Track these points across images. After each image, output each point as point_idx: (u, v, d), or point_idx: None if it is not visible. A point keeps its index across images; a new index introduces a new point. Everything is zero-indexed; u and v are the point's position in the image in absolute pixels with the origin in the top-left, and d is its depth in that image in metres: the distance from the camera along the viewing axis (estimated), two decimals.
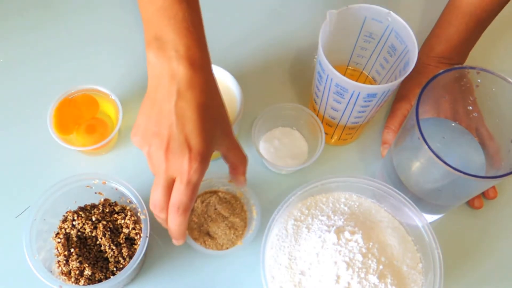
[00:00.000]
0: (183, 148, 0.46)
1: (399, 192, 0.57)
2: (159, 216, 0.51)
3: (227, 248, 0.61)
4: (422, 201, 0.59)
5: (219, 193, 0.64)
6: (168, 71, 0.47)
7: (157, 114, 0.47)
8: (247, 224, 0.62)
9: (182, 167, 0.47)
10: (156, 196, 0.49)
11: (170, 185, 0.48)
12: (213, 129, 0.49)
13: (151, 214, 0.58)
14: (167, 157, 0.47)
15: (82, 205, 0.62)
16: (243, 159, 0.55)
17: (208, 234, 0.62)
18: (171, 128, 0.46)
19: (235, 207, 0.64)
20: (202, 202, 0.63)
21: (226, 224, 0.62)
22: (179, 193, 0.48)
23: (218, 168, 0.62)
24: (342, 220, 0.56)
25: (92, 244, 0.60)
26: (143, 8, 0.50)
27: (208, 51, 0.50)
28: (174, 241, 0.53)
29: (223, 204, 0.63)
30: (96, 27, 0.79)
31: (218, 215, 0.63)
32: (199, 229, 0.62)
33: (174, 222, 0.50)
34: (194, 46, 0.47)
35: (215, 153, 0.66)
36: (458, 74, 0.56)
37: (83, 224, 0.59)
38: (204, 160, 0.48)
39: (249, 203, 0.63)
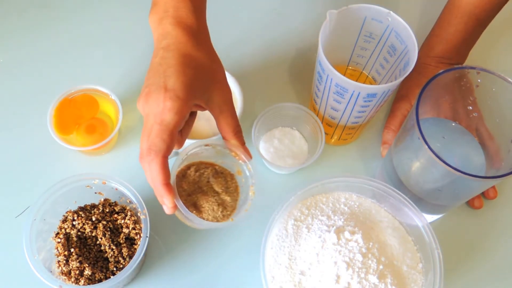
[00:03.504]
0: (160, 89, 0.47)
1: (399, 192, 0.57)
2: (144, 168, 0.49)
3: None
4: (422, 201, 0.59)
5: (216, 167, 0.61)
6: (160, 32, 0.50)
7: (148, 72, 0.49)
8: (237, 206, 0.58)
9: (158, 107, 0.47)
10: (141, 145, 0.48)
11: (149, 130, 0.48)
12: (199, 79, 0.49)
13: (151, 214, 0.58)
14: (147, 101, 0.48)
15: (82, 205, 0.62)
16: (234, 126, 0.54)
17: (194, 205, 0.58)
18: (153, 76, 0.48)
19: (229, 185, 0.59)
20: (196, 171, 0.59)
21: (215, 199, 0.58)
22: (152, 134, 0.47)
23: None
24: (342, 220, 0.56)
25: (92, 244, 0.60)
26: None
27: (204, 18, 0.53)
28: (165, 208, 0.50)
29: (217, 179, 0.60)
30: (96, 27, 0.79)
31: (209, 188, 0.59)
32: (186, 197, 0.58)
33: (149, 170, 0.48)
34: (184, 7, 0.51)
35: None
36: (458, 74, 0.56)
37: (83, 224, 0.59)
38: (180, 101, 0.47)
39: (248, 182, 0.59)
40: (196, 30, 0.51)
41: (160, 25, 0.50)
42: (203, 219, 0.56)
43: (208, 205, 0.57)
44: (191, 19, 0.51)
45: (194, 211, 0.56)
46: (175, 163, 0.55)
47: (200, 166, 0.60)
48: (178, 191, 0.56)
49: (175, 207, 0.51)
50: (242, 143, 0.56)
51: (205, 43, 0.52)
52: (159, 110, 0.47)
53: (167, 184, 0.49)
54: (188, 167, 0.59)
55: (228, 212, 0.58)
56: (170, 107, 0.47)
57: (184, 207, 0.53)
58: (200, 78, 0.50)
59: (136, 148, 0.70)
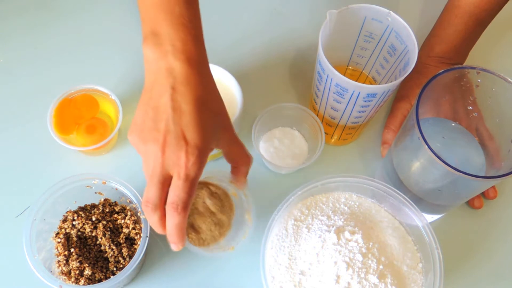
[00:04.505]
0: (179, 141, 0.45)
1: (399, 192, 0.57)
2: (152, 216, 0.48)
3: (209, 244, 0.59)
4: (422, 201, 0.59)
5: (211, 187, 0.61)
6: (164, 66, 0.46)
7: (153, 110, 0.46)
8: (231, 224, 0.60)
9: (179, 161, 0.45)
10: (151, 193, 0.46)
11: (166, 181, 0.46)
12: (211, 123, 0.47)
13: None
14: (163, 151, 0.45)
15: (82, 205, 0.62)
16: (245, 158, 0.53)
17: (192, 226, 0.59)
18: (167, 122, 0.45)
19: (224, 204, 0.61)
20: None
21: (212, 220, 0.60)
22: (177, 189, 0.46)
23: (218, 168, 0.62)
24: (342, 220, 0.56)
25: (92, 244, 0.60)
26: (141, 3, 0.50)
27: (205, 47, 0.49)
28: (173, 246, 0.50)
29: (213, 200, 0.61)
30: (96, 27, 0.79)
31: (206, 209, 0.59)
32: None
33: (172, 222, 0.47)
34: (191, 41, 0.47)
35: (215, 153, 0.66)
36: (458, 74, 0.56)
37: (83, 224, 0.59)
38: (201, 154, 0.46)
39: (243, 206, 0.61)
40: (204, 67, 0.48)
41: (165, 59, 0.47)
42: (202, 239, 0.58)
43: (205, 226, 0.59)
44: (199, 55, 0.48)
45: (192, 232, 0.58)
46: None
47: None
48: None
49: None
50: (245, 176, 0.55)
51: (211, 80, 0.50)
52: (182, 164, 0.45)
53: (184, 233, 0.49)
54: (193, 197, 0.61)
55: (224, 230, 0.59)
56: (194, 162, 0.45)
57: (193, 247, 0.56)
58: (213, 122, 0.48)
59: None
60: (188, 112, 0.45)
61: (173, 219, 0.47)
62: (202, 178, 0.59)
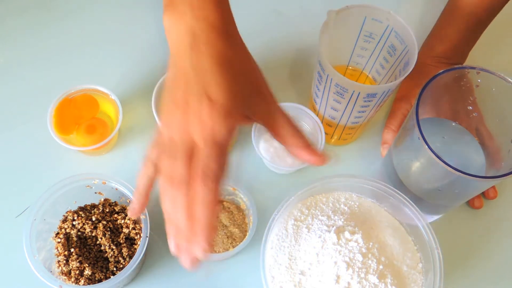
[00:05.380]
0: (202, 100, 0.39)
1: (399, 192, 0.57)
2: (178, 195, 0.39)
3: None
4: (422, 201, 0.59)
5: (224, 203, 0.65)
6: (183, 28, 0.41)
7: (175, 75, 0.41)
8: (246, 236, 0.62)
9: (204, 123, 0.39)
10: (175, 166, 0.39)
11: (190, 150, 0.39)
12: (240, 85, 0.41)
13: (151, 214, 0.58)
14: (186, 116, 0.39)
15: (82, 205, 0.62)
16: (293, 128, 0.44)
17: None
18: (187, 83, 0.40)
19: (236, 217, 0.64)
20: None
21: (225, 232, 0.63)
22: (204, 155, 0.38)
23: None
24: (342, 220, 0.56)
25: (92, 244, 0.60)
26: None
27: (230, 10, 0.44)
28: (201, 245, 0.38)
29: (225, 213, 0.64)
30: (96, 27, 0.79)
31: (218, 223, 0.63)
32: None
33: (202, 198, 0.38)
34: (211, 2, 0.42)
35: None
36: (458, 74, 0.56)
37: (83, 224, 0.59)
38: (229, 114, 0.39)
39: (249, 213, 0.63)
40: (226, 25, 0.42)
41: (182, 20, 0.41)
42: (215, 251, 0.60)
43: (218, 238, 0.62)
44: (219, 13, 0.42)
45: None
46: None
47: None
48: None
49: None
50: (307, 146, 0.45)
51: (237, 41, 0.44)
52: (207, 125, 0.39)
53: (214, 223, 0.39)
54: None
55: (237, 243, 0.62)
56: (221, 123, 0.39)
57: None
58: (242, 83, 0.42)
59: (136, 148, 0.70)
60: (210, 70, 0.40)
61: (203, 194, 0.38)
62: None
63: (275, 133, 0.45)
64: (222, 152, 0.39)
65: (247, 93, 0.42)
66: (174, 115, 0.40)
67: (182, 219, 0.39)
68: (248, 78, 0.43)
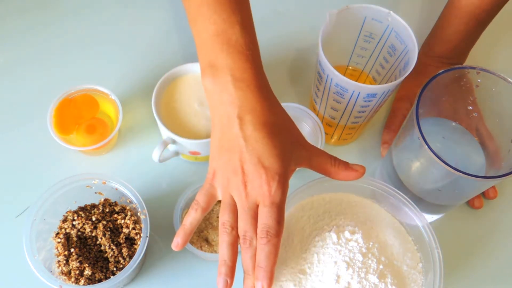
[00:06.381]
0: (258, 169, 0.45)
1: (399, 192, 0.57)
2: (248, 248, 0.46)
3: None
4: (422, 201, 0.59)
5: None
6: (227, 98, 0.46)
7: (227, 143, 0.46)
8: None
9: (262, 189, 0.45)
10: (245, 226, 0.45)
11: (254, 213, 0.45)
12: (287, 145, 0.47)
13: (151, 214, 0.58)
14: (244, 182, 0.45)
15: (82, 205, 0.62)
16: (329, 158, 0.51)
17: (206, 240, 0.62)
18: (241, 153, 0.45)
19: None
20: None
21: None
22: (264, 216, 0.45)
23: None
24: (342, 220, 0.56)
25: (92, 244, 0.60)
26: (197, 35, 0.49)
27: (264, 71, 0.49)
28: (261, 282, 0.45)
29: None
30: (96, 27, 0.79)
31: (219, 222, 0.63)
32: (198, 234, 0.62)
33: (264, 251, 0.45)
34: (250, 68, 0.47)
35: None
36: (458, 74, 0.56)
37: (83, 224, 0.59)
38: (282, 178, 0.46)
39: None
40: (264, 91, 0.47)
41: (226, 90, 0.46)
42: (215, 252, 0.61)
43: (218, 238, 0.60)
44: (260, 80, 0.47)
45: (206, 245, 0.61)
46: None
47: None
48: None
49: None
50: (346, 167, 0.52)
51: (276, 102, 0.49)
52: (265, 191, 0.45)
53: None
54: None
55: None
56: (277, 188, 0.45)
57: (190, 245, 0.59)
58: (287, 143, 0.47)
59: (136, 148, 0.70)
60: (260, 139, 0.45)
61: (264, 247, 0.45)
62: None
63: (324, 173, 0.51)
64: (280, 211, 0.46)
65: (293, 150, 0.48)
66: (235, 182, 0.46)
67: (250, 267, 0.47)
68: (290, 136, 0.48)
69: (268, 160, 0.45)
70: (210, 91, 0.47)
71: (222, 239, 0.47)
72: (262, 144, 0.45)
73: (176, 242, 0.48)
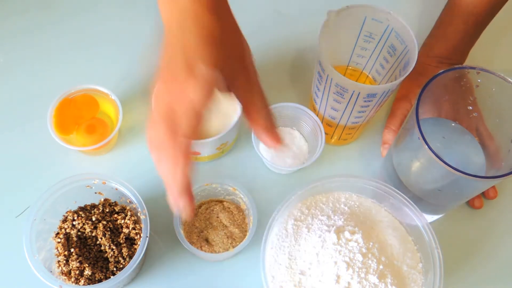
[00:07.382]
0: (183, 73, 0.42)
1: (399, 192, 0.57)
2: (154, 154, 0.43)
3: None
4: (422, 201, 0.59)
5: (224, 203, 0.65)
6: (175, 7, 0.44)
7: (164, 52, 0.44)
8: (246, 236, 0.63)
9: (182, 92, 0.42)
10: (154, 131, 0.43)
11: (170, 118, 0.42)
12: (225, 58, 0.44)
13: (151, 214, 0.58)
14: (169, 87, 0.43)
15: (82, 205, 0.62)
16: (266, 110, 0.47)
17: (206, 240, 0.63)
18: (172, 60, 0.43)
19: (236, 218, 0.64)
20: (207, 209, 0.64)
21: (225, 233, 0.63)
22: (179, 120, 0.42)
23: (216, 172, 0.64)
24: (342, 220, 0.56)
25: (92, 244, 0.60)
26: None
27: None
28: (177, 201, 0.43)
29: (225, 213, 0.64)
30: (96, 27, 0.79)
31: (219, 223, 0.64)
32: (199, 234, 0.63)
33: (173, 156, 0.42)
34: None
35: (216, 153, 0.67)
36: (458, 74, 0.56)
37: (83, 224, 0.59)
38: (207, 82, 0.42)
39: (249, 213, 0.63)
40: (215, 3, 0.44)
41: (171, 2, 0.44)
42: (215, 251, 0.61)
43: (218, 238, 0.62)
44: None
45: (206, 245, 0.62)
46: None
47: (210, 203, 0.65)
48: (190, 229, 0.64)
49: (193, 210, 0.45)
50: (271, 128, 0.48)
51: (227, 15, 0.46)
52: (185, 94, 0.42)
53: (189, 183, 0.43)
54: (200, 205, 0.65)
55: (237, 243, 0.63)
56: (200, 92, 0.42)
57: (190, 245, 0.59)
58: (223, 57, 0.44)
59: (136, 148, 0.70)
60: (195, 45, 0.42)
61: (175, 153, 0.42)
62: (201, 183, 0.62)
63: (247, 111, 0.48)
64: (196, 114, 0.42)
65: (231, 67, 0.45)
66: (160, 86, 0.44)
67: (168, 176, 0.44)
68: (233, 53, 0.45)
69: (200, 67, 0.42)
70: (160, 8, 0.46)
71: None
72: (197, 50, 0.43)
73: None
